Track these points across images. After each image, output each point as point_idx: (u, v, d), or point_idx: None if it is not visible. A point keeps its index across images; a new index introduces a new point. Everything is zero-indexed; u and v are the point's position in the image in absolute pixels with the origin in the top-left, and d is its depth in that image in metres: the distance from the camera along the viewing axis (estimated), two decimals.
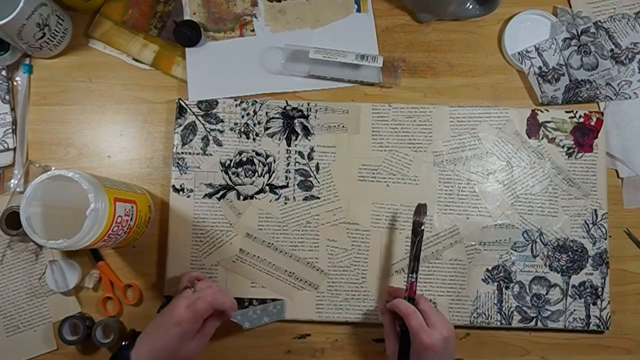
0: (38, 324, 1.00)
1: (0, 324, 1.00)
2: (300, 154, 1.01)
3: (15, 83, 1.05)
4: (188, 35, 1.03)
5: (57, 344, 0.99)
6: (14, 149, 1.03)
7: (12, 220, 0.97)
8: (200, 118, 1.02)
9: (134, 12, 1.07)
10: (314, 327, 1.00)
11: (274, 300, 0.98)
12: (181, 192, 1.00)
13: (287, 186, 1.00)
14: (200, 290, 0.86)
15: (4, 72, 1.04)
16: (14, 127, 1.03)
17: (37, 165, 1.03)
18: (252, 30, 1.07)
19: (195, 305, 0.83)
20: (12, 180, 1.02)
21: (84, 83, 1.06)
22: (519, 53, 1.03)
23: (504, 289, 0.98)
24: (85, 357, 1.00)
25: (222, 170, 1.01)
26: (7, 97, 1.03)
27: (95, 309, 1.01)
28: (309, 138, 1.02)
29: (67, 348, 0.99)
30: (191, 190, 1.00)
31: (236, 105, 1.02)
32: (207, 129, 1.02)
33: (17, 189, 1.02)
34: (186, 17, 1.07)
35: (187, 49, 1.06)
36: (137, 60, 1.06)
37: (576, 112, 1.01)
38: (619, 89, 1.02)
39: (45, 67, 1.06)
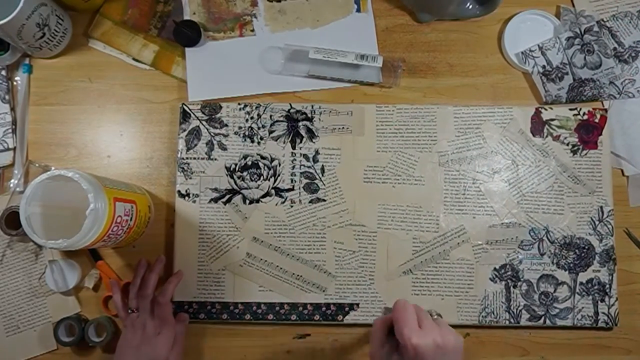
0: (38, 324, 0.99)
1: (0, 324, 0.99)
2: (305, 156, 1.01)
3: (15, 83, 1.05)
4: (188, 35, 1.03)
5: (56, 344, 0.98)
6: (14, 149, 1.02)
7: (12, 220, 0.96)
8: (204, 123, 1.01)
9: (134, 12, 1.06)
10: (314, 327, 1.00)
11: None
12: (187, 197, 0.99)
13: (292, 189, 1.00)
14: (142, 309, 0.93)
15: (3, 72, 1.03)
16: (13, 127, 1.03)
17: (37, 165, 1.03)
18: (252, 30, 1.06)
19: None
20: (12, 180, 1.02)
21: (83, 83, 1.05)
22: (522, 52, 1.04)
23: (511, 287, 0.98)
24: (86, 357, 1.00)
25: (227, 175, 1.00)
26: (6, 97, 1.03)
27: (96, 308, 1.00)
28: (314, 140, 1.01)
29: (66, 348, 0.99)
30: (197, 195, 0.99)
31: (240, 109, 1.02)
32: (212, 134, 1.01)
33: (17, 189, 1.01)
34: (186, 17, 1.06)
35: (187, 49, 1.05)
36: (137, 60, 1.06)
37: (580, 109, 1.02)
38: (623, 88, 1.03)
39: (45, 67, 1.06)
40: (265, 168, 1.00)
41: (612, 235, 0.99)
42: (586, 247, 0.98)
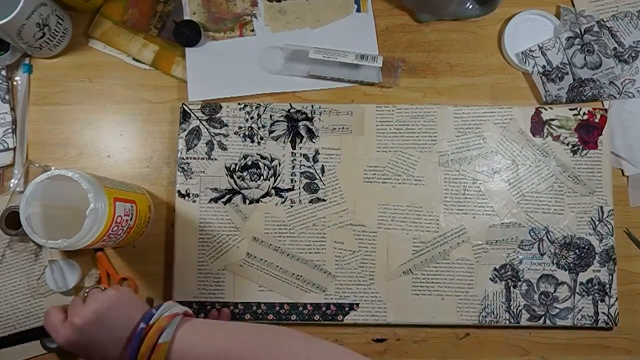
0: (34, 324, 0.99)
1: None
2: (305, 156, 1.01)
3: (15, 83, 1.05)
4: (188, 35, 1.03)
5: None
6: (14, 149, 1.02)
7: (12, 220, 0.96)
8: (204, 122, 1.01)
9: (134, 12, 1.06)
10: (314, 327, 0.99)
11: None
12: (187, 197, 0.99)
13: (292, 189, 1.00)
14: None
15: (3, 72, 1.03)
16: (13, 126, 1.03)
17: (37, 165, 1.03)
18: (252, 30, 1.06)
19: None
20: (12, 180, 1.02)
21: (83, 83, 1.05)
22: (522, 52, 1.04)
23: (511, 287, 0.98)
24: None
25: (227, 175, 1.00)
26: (7, 97, 1.03)
27: None
28: (314, 140, 1.01)
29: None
30: (197, 195, 0.99)
31: (240, 109, 1.02)
32: (212, 134, 1.01)
33: (17, 189, 1.01)
34: (186, 17, 1.06)
35: (187, 49, 1.05)
36: (137, 60, 1.06)
37: (580, 109, 1.02)
38: (623, 88, 1.03)
39: (45, 67, 1.06)
40: (265, 168, 1.00)
41: (612, 235, 0.99)
42: (586, 247, 0.98)
